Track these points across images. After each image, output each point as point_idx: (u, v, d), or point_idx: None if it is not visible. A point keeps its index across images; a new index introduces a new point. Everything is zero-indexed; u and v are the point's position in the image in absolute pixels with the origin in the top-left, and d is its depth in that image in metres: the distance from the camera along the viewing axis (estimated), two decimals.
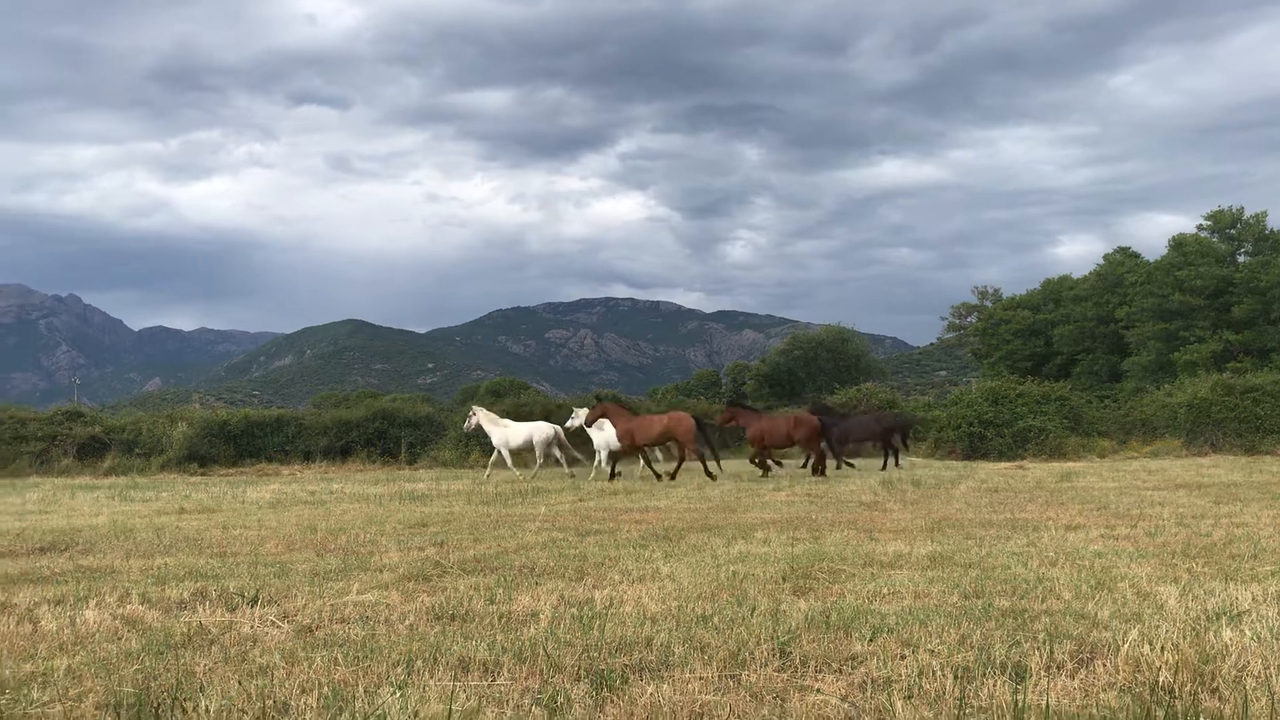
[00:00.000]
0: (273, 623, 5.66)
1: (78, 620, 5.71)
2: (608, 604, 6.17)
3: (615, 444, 22.53)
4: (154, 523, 12.74)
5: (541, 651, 4.81)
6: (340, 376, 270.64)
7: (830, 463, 23.67)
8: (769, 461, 23.47)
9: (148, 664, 4.66)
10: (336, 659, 4.69)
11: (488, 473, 24.76)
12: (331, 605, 6.18)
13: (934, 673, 4.40)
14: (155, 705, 3.96)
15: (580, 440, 26.47)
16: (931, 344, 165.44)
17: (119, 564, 8.41)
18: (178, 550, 9.46)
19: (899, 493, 16.22)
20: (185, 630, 5.44)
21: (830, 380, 61.32)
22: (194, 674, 4.47)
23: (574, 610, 5.95)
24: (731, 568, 7.58)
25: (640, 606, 6.05)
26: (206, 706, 3.92)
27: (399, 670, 4.51)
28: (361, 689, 4.20)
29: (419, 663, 4.63)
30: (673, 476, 21.27)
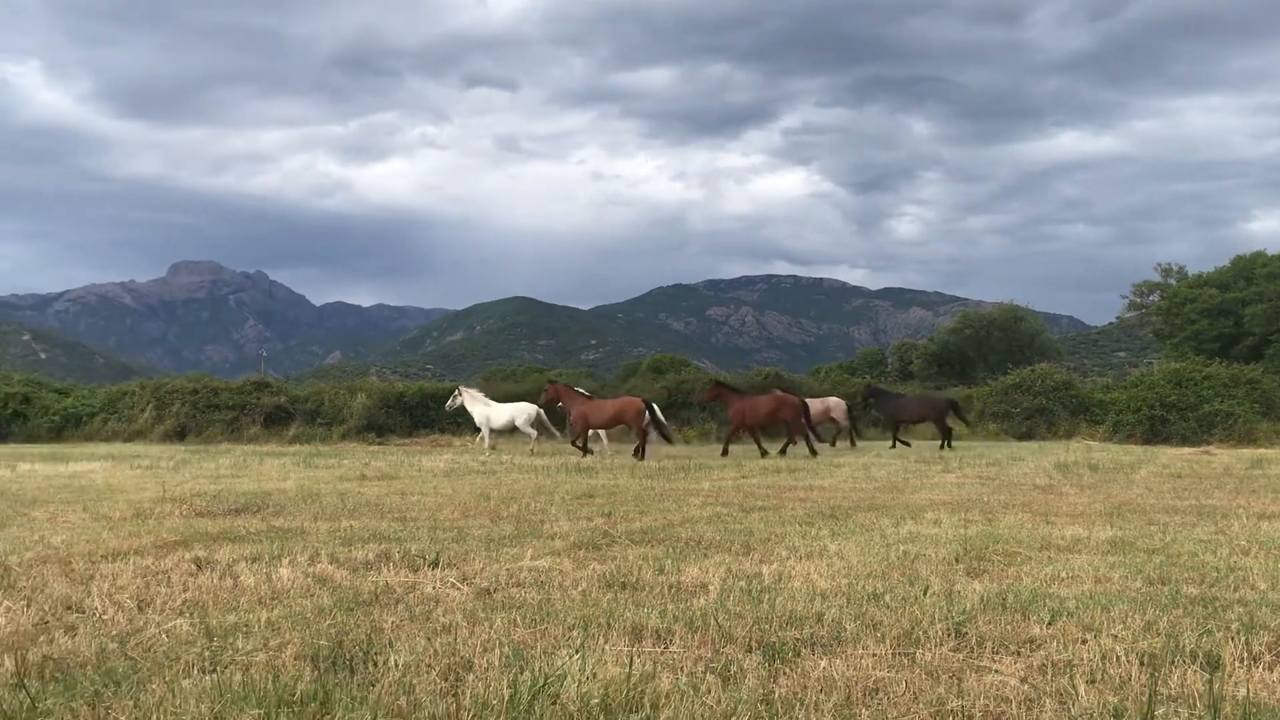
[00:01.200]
0: (453, 584, 5.88)
1: (273, 577, 6.05)
2: (776, 579, 6.18)
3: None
4: (337, 488, 13.34)
5: (713, 622, 4.86)
6: (508, 352, 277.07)
7: (832, 444, 24.69)
8: (761, 445, 22.98)
9: (339, 619, 4.91)
10: (515, 620, 4.85)
11: (484, 453, 24.76)
12: (507, 570, 6.38)
13: (1118, 658, 4.25)
14: (349, 658, 4.18)
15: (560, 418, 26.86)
16: (1110, 323, 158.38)
17: (308, 525, 8.86)
18: (361, 514, 9.89)
19: (1075, 476, 15.65)
20: (372, 589, 5.70)
21: (1003, 360, 59.25)
22: (382, 630, 4.69)
23: (742, 584, 5.98)
24: (902, 547, 7.47)
25: (809, 582, 6.03)
26: (395, 661, 4.11)
27: (575, 634, 4.63)
28: (540, 650, 4.34)
29: (593, 628, 4.74)
30: (639, 456, 21.44)
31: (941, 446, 25.71)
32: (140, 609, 5.18)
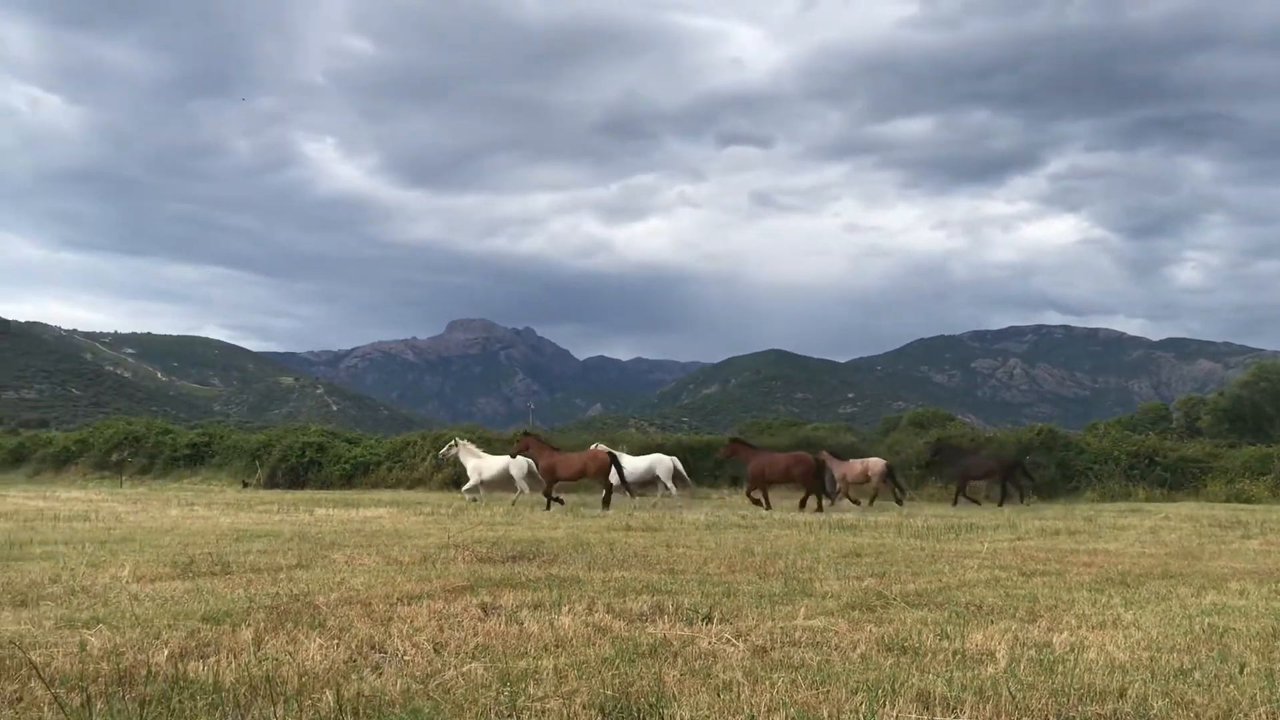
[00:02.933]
0: (728, 640, 5.87)
1: (555, 624, 6.23)
2: (1068, 648, 5.82)
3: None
4: (605, 538, 13.65)
5: (1004, 691, 4.62)
6: (763, 405, 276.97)
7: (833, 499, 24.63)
8: (759, 497, 23.75)
9: (622, 670, 4.99)
10: (796, 681, 4.78)
11: (468, 497, 26.03)
12: (781, 628, 6.31)
13: None
14: (635, 710, 4.23)
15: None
16: None
17: (582, 574, 9.09)
18: (630, 565, 10.07)
19: None
20: (650, 641, 5.77)
21: None
22: (664, 683, 4.73)
23: (1031, 652, 5.67)
24: (1206, 619, 6.89)
25: (1105, 654, 5.66)
26: (680, 716, 4.13)
27: (858, 698, 4.52)
28: (825, 714, 4.25)
29: (878, 693, 4.61)
30: (605, 505, 22.51)
31: (1001, 503, 25.40)
32: (436, 651, 5.45)
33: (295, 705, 4.18)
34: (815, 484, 23.39)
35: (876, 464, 26.28)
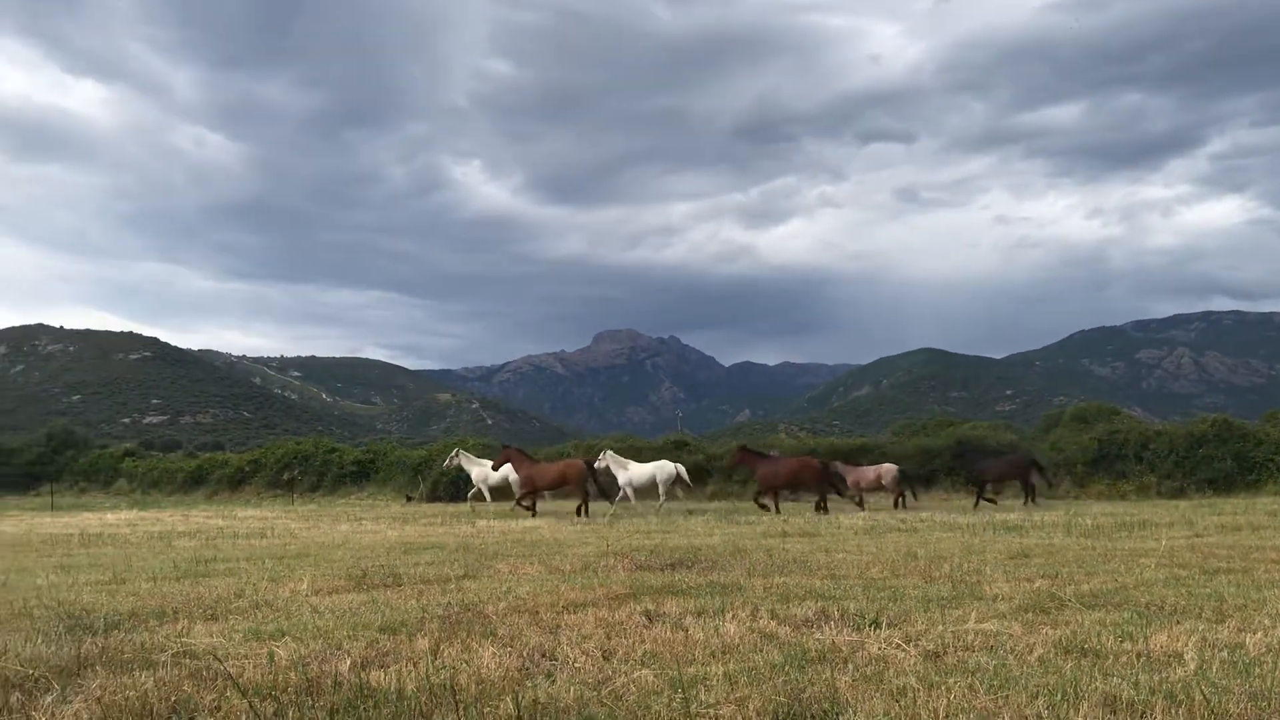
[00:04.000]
0: (898, 645, 5.76)
1: (720, 630, 6.23)
2: (1264, 650, 5.52)
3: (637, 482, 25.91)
4: (762, 544, 13.58)
5: (1198, 695, 4.41)
6: (916, 405, 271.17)
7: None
8: (768, 502, 24.73)
9: (792, 676, 4.95)
10: (973, 686, 4.66)
11: (471, 506, 28.01)
12: (952, 632, 6.16)
13: None
14: (810, 715, 4.20)
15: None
16: None
17: (742, 581, 9.07)
18: (790, 571, 9.99)
19: None
20: (818, 647, 5.71)
21: None
22: (836, 689, 4.67)
23: (1223, 654, 5.40)
24: None
25: None
26: None
27: (1040, 703, 4.38)
28: (1006, 719, 4.13)
29: (1060, 698, 4.45)
30: (578, 513, 23.59)
31: (1025, 503, 25.49)
32: (605, 658, 5.51)
33: (475, 712, 4.29)
34: (822, 488, 24.52)
35: (889, 470, 27.18)
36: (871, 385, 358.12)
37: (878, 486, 27.01)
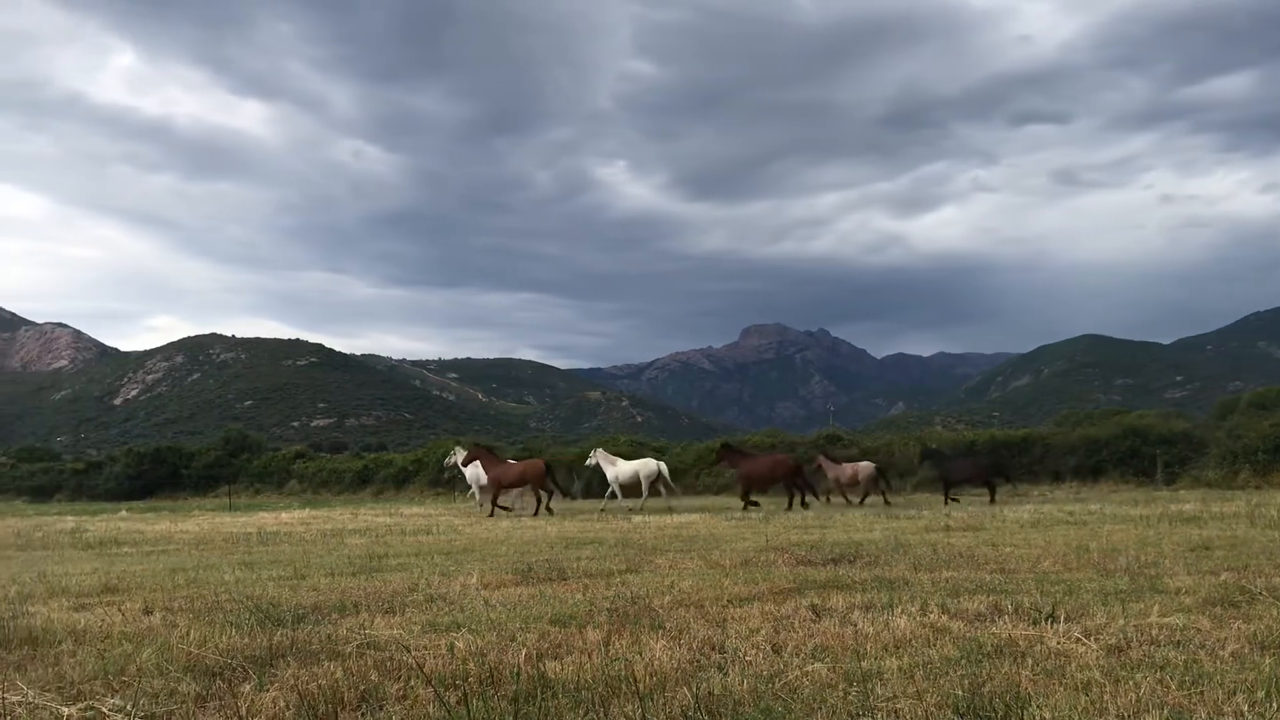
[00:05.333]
0: (1078, 639, 5.58)
1: (891, 625, 6.15)
2: None
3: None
4: (925, 538, 13.33)
5: None
6: (1078, 394, 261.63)
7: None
8: (753, 499, 26.00)
9: (969, 670, 4.85)
10: (1163, 681, 4.48)
11: (467, 504, 28.78)
12: (1135, 626, 5.94)
13: None
14: (990, 710, 4.11)
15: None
16: None
17: (908, 575, 8.92)
18: (957, 565, 9.78)
19: None
20: (994, 641, 5.58)
21: None
22: (1016, 684, 4.56)
23: None
24: None
25: None
26: (1040, 717, 3.97)
27: (1238, 699, 4.18)
28: (1203, 716, 3.97)
29: (1261, 694, 4.24)
30: (535, 513, 24.91)
31: (991, 501, 26.07)
32: (775, 652, 5.50)
33: (652, 703, 4.34)
34: (796, 484, 25.64)
35: (866, 467, 29.04)
36: (1032, 374, 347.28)
37: (854, 482, 28.86)
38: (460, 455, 30.32)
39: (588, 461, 29.52)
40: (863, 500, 28.19)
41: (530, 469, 26.14)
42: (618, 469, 27.54)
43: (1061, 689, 4.44)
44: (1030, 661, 5.06)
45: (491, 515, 24.72)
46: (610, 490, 28.34)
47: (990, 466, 28.74)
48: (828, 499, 29.27)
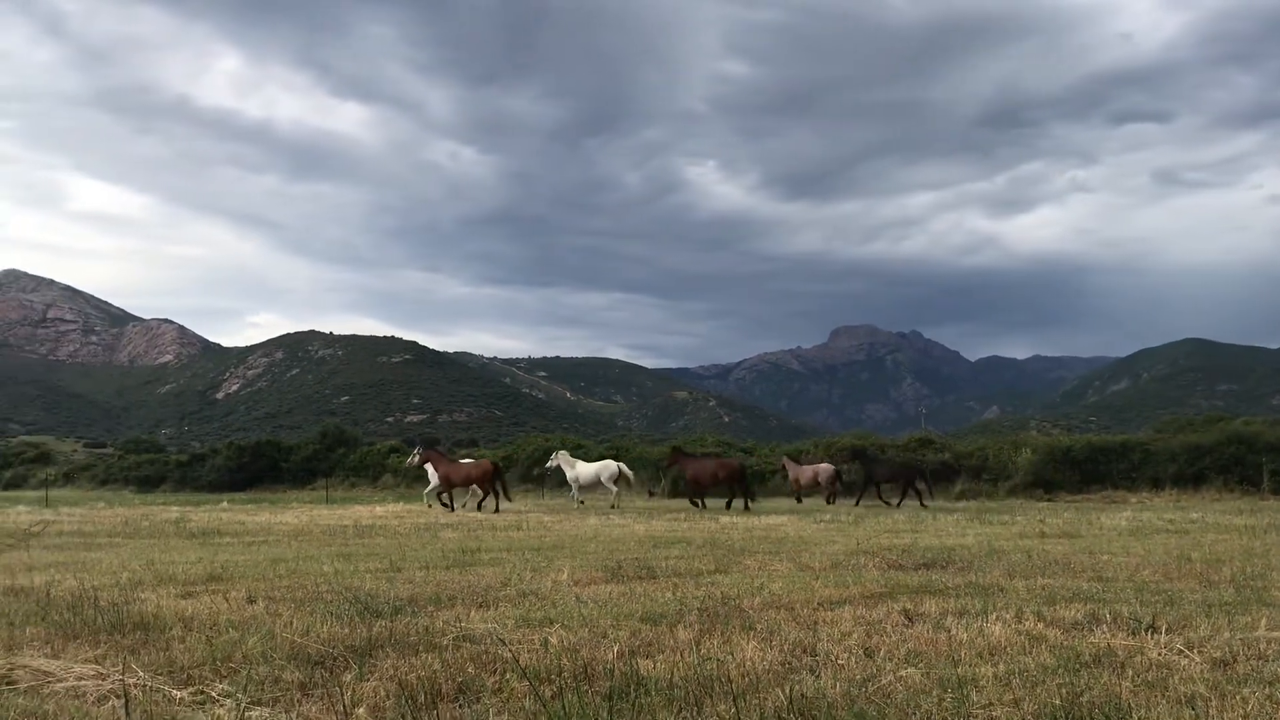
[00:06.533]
0: (1180, 651, 5.46)
1: (985, 632, 6.07)
2: None
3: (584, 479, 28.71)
4: (1019, 544, 13.10)
5: None
6: (1180, 399, 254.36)
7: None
8: (698, 500, 27.44)
9: (1067, 679, 4.78)
10: (1274, 697, 4.36)
11: (427, 503, 29.21)
12: (1241, 639, 5.78)
13: None
14: (1090, 719, 4.05)
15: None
16: None
17: (1003, 582, 8.79)
18: (1053, 572, 9.60)
19: None
20: (1092, 650, 5.48)
21: None
22: (1116, 695, 4.48)
23: None
24: None
25: None
26: None
27: None
28: None
29: None
30: (479, 507, 26.75)
31: (897, 504, 27.99)
32: (868, 655, 5.48)
33: (746, 703, 4.36)
34: (739, 487, 27.01)
35: (826, 469, 30.30)
36: (1130, 379, 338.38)
37: (814, 483, 30.15)
38: (418, 457, 31.19)
39: (548, 464, 31.22)
40: (828, 500, 29.61)
41: (476, 469, 27.89)
42: (576, 471, 29.25)
43: (1164, 702, 4.35)
44: (1130, 672, 4.97)
45: (452, 510, 26.44)
46: (573, 491, 29.95)
47: (910, 471, 29.89)
48: (799, 499, 30.72)
